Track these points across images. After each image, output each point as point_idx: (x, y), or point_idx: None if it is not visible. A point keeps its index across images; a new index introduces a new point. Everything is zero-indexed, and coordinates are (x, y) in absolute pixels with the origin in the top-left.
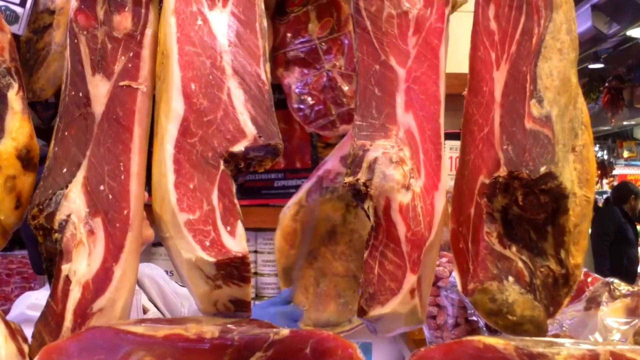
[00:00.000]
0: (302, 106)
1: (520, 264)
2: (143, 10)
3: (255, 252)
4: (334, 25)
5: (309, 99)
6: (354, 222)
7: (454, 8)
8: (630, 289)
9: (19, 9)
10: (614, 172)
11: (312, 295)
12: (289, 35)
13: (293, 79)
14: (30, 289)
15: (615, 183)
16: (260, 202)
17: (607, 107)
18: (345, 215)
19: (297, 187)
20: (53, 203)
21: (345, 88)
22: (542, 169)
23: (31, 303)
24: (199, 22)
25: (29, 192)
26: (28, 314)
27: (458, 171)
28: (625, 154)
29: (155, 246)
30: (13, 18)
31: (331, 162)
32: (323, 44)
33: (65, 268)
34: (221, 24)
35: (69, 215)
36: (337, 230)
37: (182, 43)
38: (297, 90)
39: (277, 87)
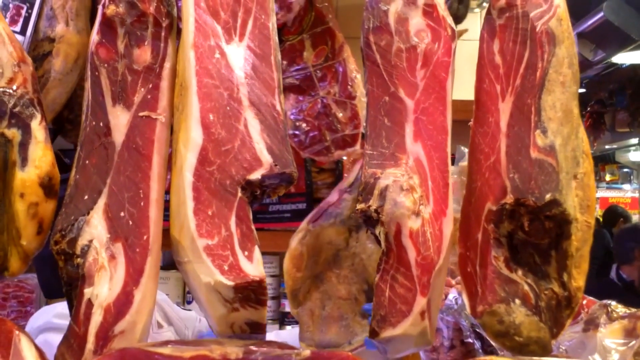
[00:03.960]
0: (297, 132)
1: (526, 287)
2: (162, 44)
3: None
4: (329, 53)
5: (304, 125)
6: (356, 246)
7: None
8: (627, 310)
9: (19, 37)
10: (597, 195)
11: (317, 317)
12: (284, 62)
13: (288, 106)
14: (27, 312)
15: (597, 206)
16: (254, 227)
17: (589, 131)
18: (348, 240)
19: (291, 212)
20: (75, 229)
21: (340, 114)
22: (548, 196)
23: (58, 312)
24: (217, 55)
25: (50, 219)
26: (56, 322)
27: (465, 198)
28: (608, 177)
29: None
30: None
31: (335, 195)
32: (318, 71)
33: (87, 292)
34: (238, 57)
35: (90, 241)
36: (340, 254)
37: (201, 75)
38: (292, 117)
39: None
